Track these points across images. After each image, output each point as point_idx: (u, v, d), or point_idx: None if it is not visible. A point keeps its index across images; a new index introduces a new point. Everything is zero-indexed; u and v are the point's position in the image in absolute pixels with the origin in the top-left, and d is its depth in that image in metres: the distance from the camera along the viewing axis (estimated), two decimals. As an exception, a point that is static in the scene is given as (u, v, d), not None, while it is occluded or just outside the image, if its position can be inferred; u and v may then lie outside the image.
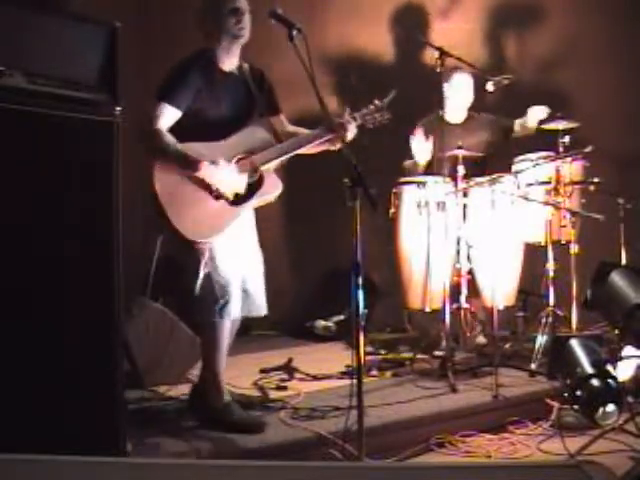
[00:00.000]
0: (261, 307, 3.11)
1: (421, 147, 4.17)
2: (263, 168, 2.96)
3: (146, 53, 5.25)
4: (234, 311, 2.95)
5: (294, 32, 2.65)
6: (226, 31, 2.95)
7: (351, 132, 3.06)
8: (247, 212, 3.04)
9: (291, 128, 3.18)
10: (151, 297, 3.83)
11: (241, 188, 2.89)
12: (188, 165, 2.81)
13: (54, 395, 2.24)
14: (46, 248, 2.24)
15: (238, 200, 2.91)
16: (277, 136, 3.08)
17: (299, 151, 3.04)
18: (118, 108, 2.36)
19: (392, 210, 4.13)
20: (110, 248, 2.35)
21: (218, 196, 2.86)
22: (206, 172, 2.81)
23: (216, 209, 2.87)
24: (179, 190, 2.81)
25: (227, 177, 2.85)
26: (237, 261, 2.99)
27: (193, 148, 2.84)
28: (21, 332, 2.18)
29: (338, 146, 3.03)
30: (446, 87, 4.36)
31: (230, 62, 3.03)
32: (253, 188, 2.94)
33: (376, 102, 3.22)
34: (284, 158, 3.02)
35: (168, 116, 2.85)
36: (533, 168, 3.93)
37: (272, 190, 2.99)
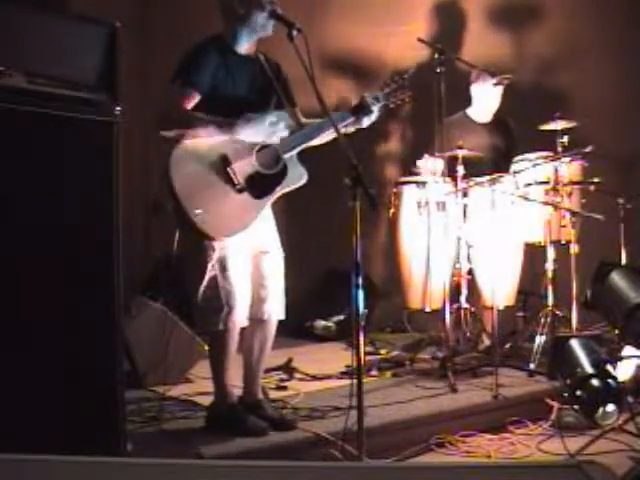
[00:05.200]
0: (278, 310, 2.97)
1: (428, 166, 4.14)
2: (286, 156, 2.85)
3: (146, 53, 5.26)
4: (239, 319, 2.83)
5: (294, 32, 2.65)
6: (252, 22, 2.85)
7: (375, 113, 2.97)
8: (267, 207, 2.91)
9: (306, 121, 3.03)
10: (151, 297, 3.83)
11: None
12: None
13: (54, 395, 2.23)
14: (46, 248, 2.23)
15: (262, 193, 2.79)
16: (298, 125, 2.96)
17: (322, 137, 2.93)
18: (118, 108, 2.36)
19: (392, 210, 4.13)
20: (110, 248, 2.35)
21: (241, 189, 2.74)
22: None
23: (239, 203, 2.75)
24: (197, 183, 2.70)
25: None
26: (252, 262, 2.89)
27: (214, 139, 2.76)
28: (21, 332, 2.17)
29: (365, 125, 2.98)
30: (474, 88, 4.44)
31: (247, 48, 2.93)
32: (277, 179, 2.82)
33: (397, 79, 3.08)
34: (307, 145, 2.90)
35: (189, 98, 2.77)
36: (532, 168, 3.94)
37: (296, 180, 2.86)
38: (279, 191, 2.84)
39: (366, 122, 2.99)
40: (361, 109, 2.96)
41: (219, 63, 2.84)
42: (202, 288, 2.80)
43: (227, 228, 2.76)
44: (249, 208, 2.78)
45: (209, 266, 2.79)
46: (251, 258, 2.90)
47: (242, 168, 2.78)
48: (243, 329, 2.91)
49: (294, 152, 2.88)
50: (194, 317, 2.97)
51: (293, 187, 2.88)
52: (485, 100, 4.47)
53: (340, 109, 3.05)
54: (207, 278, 2.80)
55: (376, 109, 2.98)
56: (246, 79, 2.92)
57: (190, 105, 2.78)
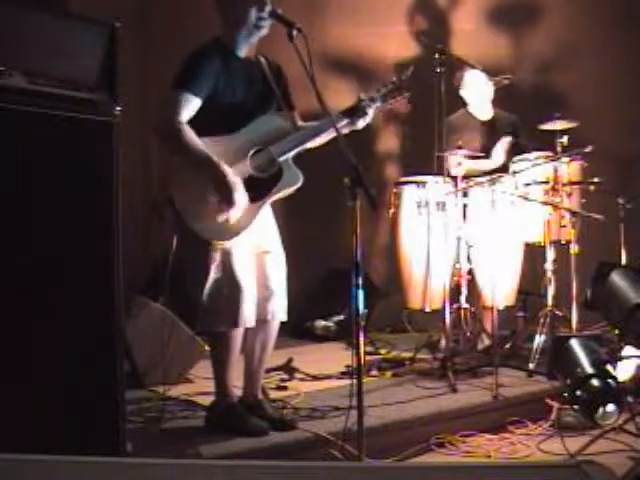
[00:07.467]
0: (281, 311, 2.97)
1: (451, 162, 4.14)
2: (281, 159, 2.83)
3: (146, 53, 5.27)
4: (245, 318, 2.82)
5: (294, 32, 2.64)
6: (248, 21, 2.83)
7: (370, 115, 2.95)
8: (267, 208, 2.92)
9: (302, 125, 3.02)
10: (151, 297, 3.82)
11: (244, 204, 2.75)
12: (209, 170, 2.70)
13: (54, 395, 2.24)
14: (46, 248, 2.23)
15: (256, 196, 2.78)
16: (295, 128, 2.95)
17: (317, 140, 2.92)
18: (118, 108, 2.36)
19: (392, 210, 4.13)
20: (110, 248, 2.35)
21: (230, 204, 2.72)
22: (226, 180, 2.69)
23: None
24: (194, 192, 2.73)
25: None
26: (255, 262, 2.89)
27: (209, 145, 2.73)
28: (21, 332, 2.17)
29: (360, 126, 2.95)
30: (462, 92, 4.44)
31: (246, 50, 2.92)
32: (272, 181, 2.82)
33: (394, 79, 3.05)
34: (303, 147, 2.88)
35: (190, 106, 2.74)
36: (532, 168, 3.94)
37: (292, 183, 2.84)
38: (274, 194, 2.83)
39: (361, 124, 2.96)
40: (356, 111, 2.93)
41: (221, 68, 2.83)
42: (207, 289, 2.80)
43: (226, 232, 2.76)
44: (246, 211, 2.76)
45: (213, 267, 2.79)
46: (254, 258, 2.90)
47: (236, 172, 2.76)
48: (246, 329, 2.91)
49: (290, 155, 2.86)
50: (198, 318, 2.96)
51: (289, 190, 2.86)
52: (476, 99, 4.47)
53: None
54: (212, 279, 2.80)
55: (371, 111, 2.95)
56: (246, 83, 2.91)
57: (188, 113, 2.75)
